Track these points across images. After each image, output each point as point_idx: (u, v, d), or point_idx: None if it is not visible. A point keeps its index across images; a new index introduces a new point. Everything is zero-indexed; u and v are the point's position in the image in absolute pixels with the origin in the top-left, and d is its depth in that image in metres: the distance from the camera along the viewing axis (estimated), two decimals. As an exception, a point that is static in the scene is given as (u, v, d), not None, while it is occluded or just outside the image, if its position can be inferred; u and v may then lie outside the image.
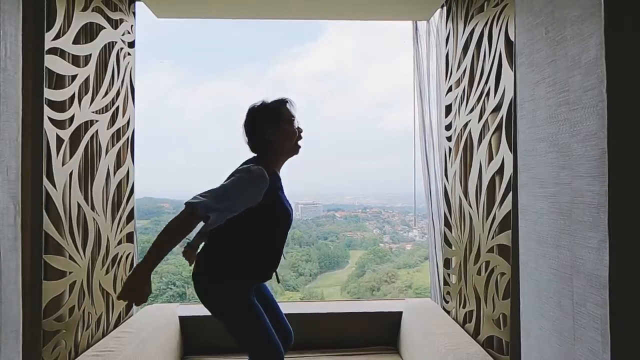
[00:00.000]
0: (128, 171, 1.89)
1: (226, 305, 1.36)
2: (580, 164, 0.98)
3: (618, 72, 0.89)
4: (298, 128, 1.47)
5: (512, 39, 1.37)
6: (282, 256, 1.47)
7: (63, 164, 1.42)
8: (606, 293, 0.89)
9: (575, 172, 1.00)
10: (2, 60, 1.12)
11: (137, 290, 1.12)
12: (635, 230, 0.89)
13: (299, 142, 1.47)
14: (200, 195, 1.24)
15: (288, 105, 1.46)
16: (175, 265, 9.50)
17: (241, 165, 1.40)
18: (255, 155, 1.44)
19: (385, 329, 2.15)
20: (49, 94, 1.35)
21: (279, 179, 1.45)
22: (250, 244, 1.36)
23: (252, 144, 1.44)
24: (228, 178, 1.34)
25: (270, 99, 1.46)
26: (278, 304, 1.55)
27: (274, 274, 1.45)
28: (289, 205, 1.44)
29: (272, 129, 1.41)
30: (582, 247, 0.97)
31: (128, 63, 1.89)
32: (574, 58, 1.00)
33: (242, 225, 1.34)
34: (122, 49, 1.83)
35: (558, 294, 1.07)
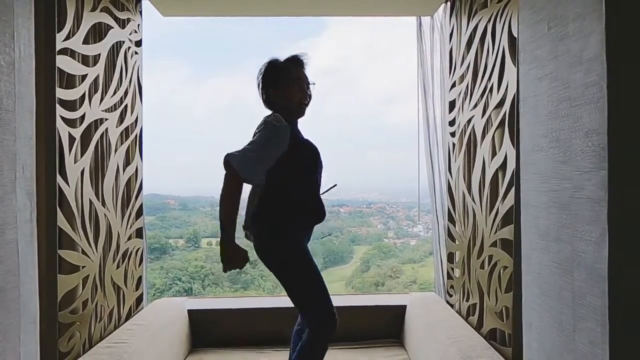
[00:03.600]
0: (137, 168, 1.93)
1: (284, 258, 1.38)
2: (581, 159, 1.00)
3: (618, 69, 0.91)
4: (302, 88, 1.43)
5: (515, 35, 1.38)
6: (320, 201, 1.48)
7: (75, 162, 1.46)
8: (605, 285, 0.91)
9: (576, 167, 1.01)
10: (17, 62, 1.16)
11: (232, 257, 1.26)
12: (634, 224, 0.91)
13: (305, 103, 1.45)
14: (233, 153, 1.28)
15: (295, 64, 1.44)
16: (181, 261, 9.59)
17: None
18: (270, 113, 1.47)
19: (389, 322, 2.18)
20: (61, 93, 1.39)
21: (297, 128, 1.46)
22: (288, 190, 1.40)
23: (263, 102, 1.48)
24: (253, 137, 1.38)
25: (281, 57, 1.46)
26: None
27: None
28: (313, 145, 1.47)
29: (274, 91, 1.43)
30: (582, 240, 0.99)
31: (135, 62, 1.92)
32: (575, 55, 1.01)
33: (275, 177, 1.38)
34: (129, 48, 1.86)
35: (559, 286, 1.09)
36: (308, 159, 1.44)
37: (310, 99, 1.48)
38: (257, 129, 1.39)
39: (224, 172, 1.28)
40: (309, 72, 1.50)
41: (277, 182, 1.41)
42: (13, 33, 1.14)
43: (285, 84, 1.43)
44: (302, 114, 1.48)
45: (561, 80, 1.07)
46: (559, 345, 1.09)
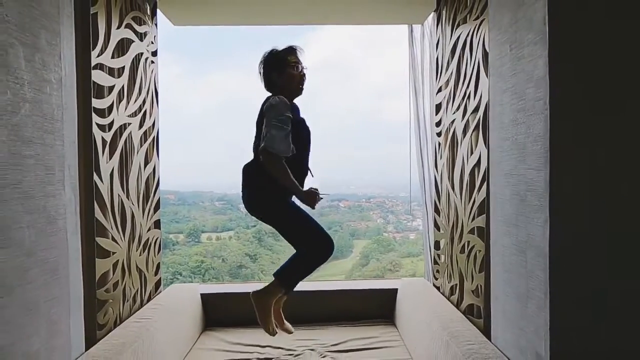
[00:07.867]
0: (154, 167, 2.15)
1: (277, 211, 1.68)
2: (532, 159, 1.22)
3: (559, 88, 1.12)
4: (301, 72, 1.74)
5: (487, 50, 1.59)
6: (308, 170, 1.77)
7: (107, 162, 1.68)
8: (547, 261, 1.14)
9: (529, 165, 1.23)
10: (63, 79, 1.37)
11: (310, 196, 1.62)
12: (570, 211, 1.13)
13: (302, 86, 1.76)
14: (265, 142, 1.56)
15: (293, 53, 1.75)
16: (182, 256, 9.81)
17: (265, 104, 1.69)
18: (270, 94, 1.75)
19: (382, 304, 2.42)
20: (95, 103, 1.60)
21: (295, 105, 1.76)
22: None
23: (266, 85, 1.78)
24: (262, 118, 1.65)
25: (280, 47, 1.77)
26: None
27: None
28: (306, 125, 1.75)
29: (278, 74, 1.73)
30: (532, 225, 1.22)
31: (152, 70, 2.13)
32: (529, 73, 1.23)
33: None
34: (147, 58, 2.07)
35: (517, 264, 1.32)
36: (301, 137, 1.71)
37: (305, 80, 1.78)
38: (266, 109, 1.64)
39: (267, 159, 1.56)
40: (308, 63, 1.82)
41: None
42: (60, 54, 1.35)
43: (287, 68, 1.72)
44: (300, 93, 1.78)
45: (519, 93, 1.29)
46: (517, 312, 1.32)
